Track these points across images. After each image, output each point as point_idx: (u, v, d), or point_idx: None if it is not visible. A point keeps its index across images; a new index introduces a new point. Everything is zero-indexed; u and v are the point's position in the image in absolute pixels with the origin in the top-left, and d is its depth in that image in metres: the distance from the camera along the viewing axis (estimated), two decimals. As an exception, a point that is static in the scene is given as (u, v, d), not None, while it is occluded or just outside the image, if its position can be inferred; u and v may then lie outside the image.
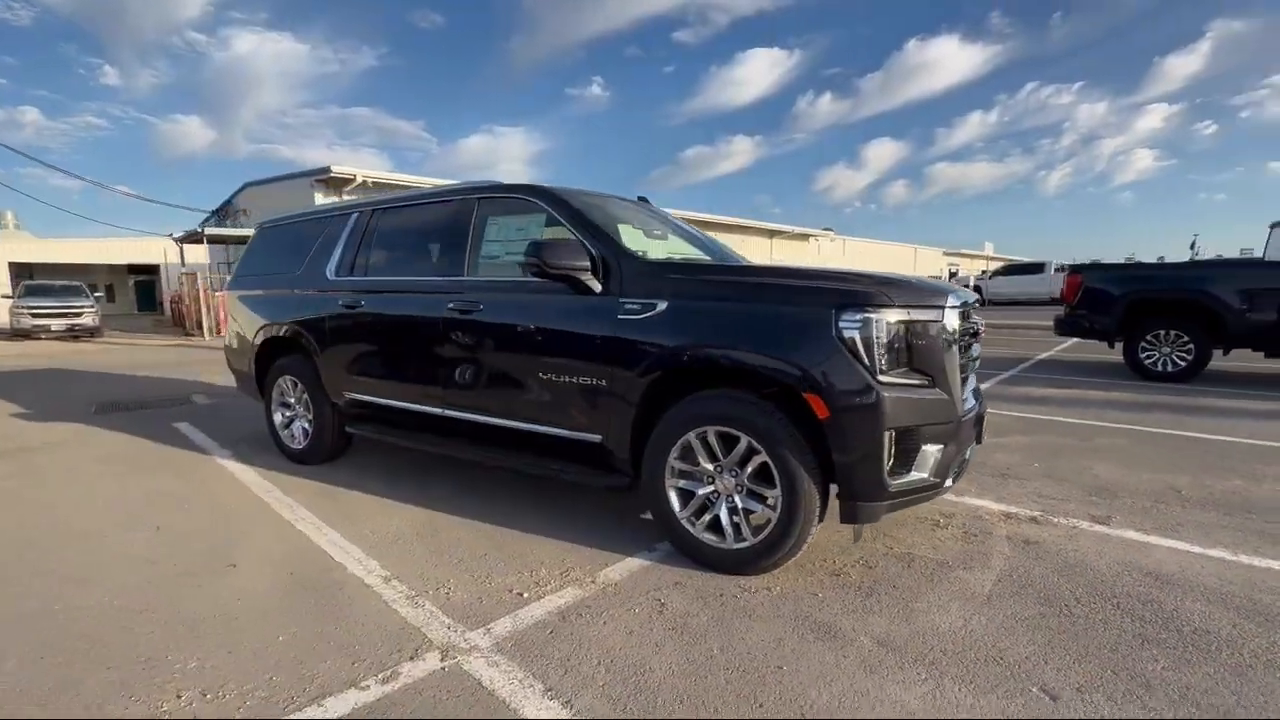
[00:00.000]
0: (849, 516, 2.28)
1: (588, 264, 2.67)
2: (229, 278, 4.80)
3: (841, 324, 2.20)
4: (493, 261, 3.22)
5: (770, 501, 2.37)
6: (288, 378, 4.11)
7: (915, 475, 2.29)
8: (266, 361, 4.29)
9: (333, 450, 4.01)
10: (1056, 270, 23.45)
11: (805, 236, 34.49)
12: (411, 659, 1.94)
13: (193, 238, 16.35)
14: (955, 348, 2.37)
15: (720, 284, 2.54)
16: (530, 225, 3.10)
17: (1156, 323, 6.81)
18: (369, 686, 1.81)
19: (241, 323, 4.48)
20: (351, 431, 3.84)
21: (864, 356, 2.18)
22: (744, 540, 2.42)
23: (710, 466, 2.49)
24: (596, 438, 2.75)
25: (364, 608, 2.27)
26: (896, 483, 2.25)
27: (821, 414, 2.21)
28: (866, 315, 2.19)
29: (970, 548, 2.71)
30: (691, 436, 2.48)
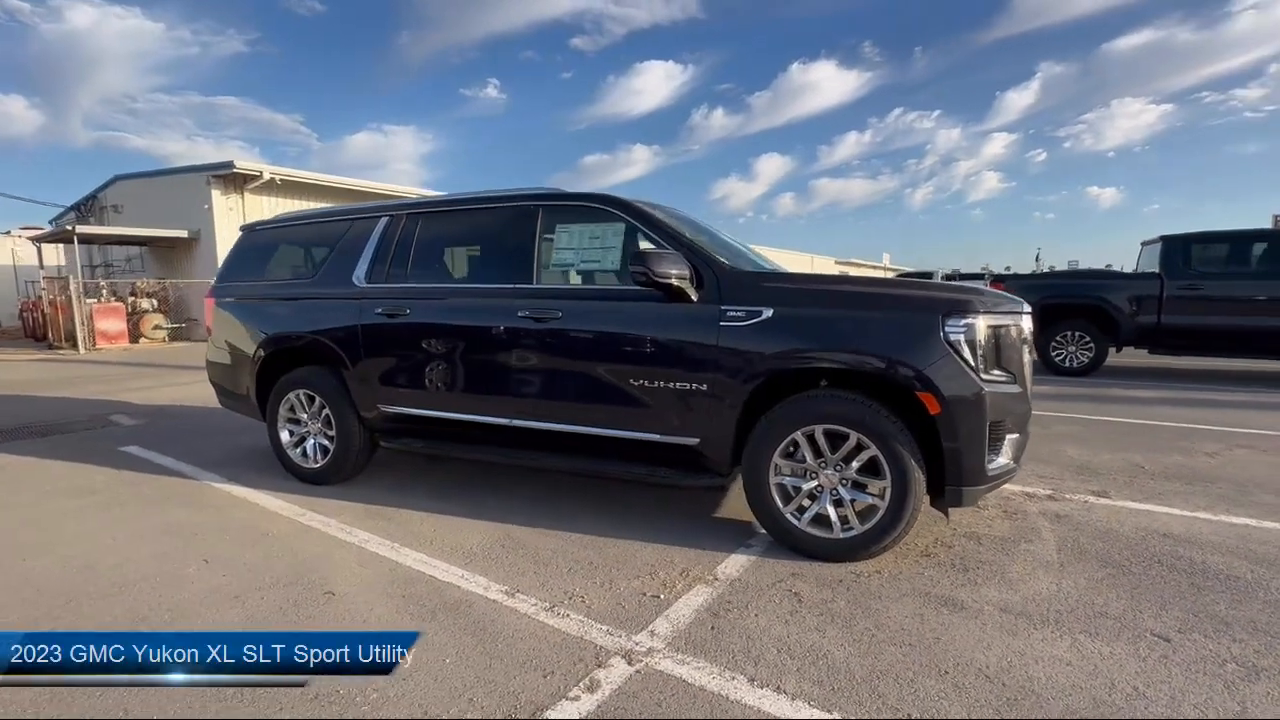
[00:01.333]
0: (954, 501, 2.54)
1: (689, 273, 2.76)
2: (214, 283, 4.32)
3: (948, 328, 2.47)
4: (565, 269, 3.20)
5: (875, 492, 2.58)
6: (301, 392, 3.80)
7: (1002, 461, 2.60)
8: (270, 376, 3.94)
9: (356, 468, 3.78)
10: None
11: (715, 244, 35.77)
12: (600, 666, 1.95)
13: (59, 236, 14.16)
14: (1026, 348, 2.72)
15: (824, 293, 2.73)
16: (606, 233, 3.13)
17: (1064, 325, 7.88)
18: (579, 697, 1.81)
19: (234, 334, 4.08)
20: (388, 446, 3.63)
21: (968, 357, 2.46)
22: (851, 530, 2.62)
23: (814, 462, 2.66)
24: (693, 440, 2.84)
25: (509, 623, 2.22)
26: (991, 468, 2.54)
27: (934, 410, 2.45)
28: (969, 320, 2.47)
29: (1017, 524, 3.09)
30: (799, 435, 2.65)
